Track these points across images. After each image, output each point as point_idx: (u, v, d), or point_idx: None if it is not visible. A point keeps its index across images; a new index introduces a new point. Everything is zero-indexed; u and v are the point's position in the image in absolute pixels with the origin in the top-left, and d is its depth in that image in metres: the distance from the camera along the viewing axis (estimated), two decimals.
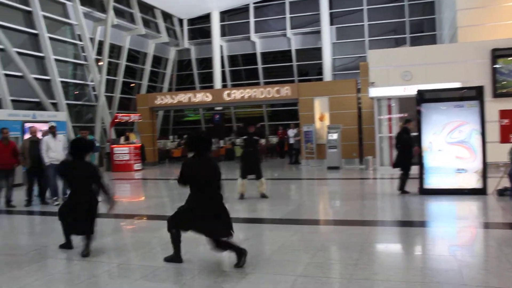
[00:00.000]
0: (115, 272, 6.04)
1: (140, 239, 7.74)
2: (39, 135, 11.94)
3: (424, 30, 28.01)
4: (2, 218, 10.43)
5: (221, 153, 25.47)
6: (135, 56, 29.38)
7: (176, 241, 6.01)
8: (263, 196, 11.47)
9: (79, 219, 6.64)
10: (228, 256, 6.02)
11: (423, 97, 11.08)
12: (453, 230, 7.99)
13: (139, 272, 5.93)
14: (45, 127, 13.13)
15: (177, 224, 5.95)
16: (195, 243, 6.55)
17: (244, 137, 11.83)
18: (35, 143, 11.55)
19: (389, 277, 5.35)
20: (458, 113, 10.78)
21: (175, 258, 6.05)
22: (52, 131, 11.94)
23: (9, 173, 11.40)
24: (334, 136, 18.73)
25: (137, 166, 20.60)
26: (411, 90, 14.67)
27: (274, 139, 27.59)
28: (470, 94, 10.92)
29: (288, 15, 30.11)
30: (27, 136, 13.55)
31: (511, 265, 5.63)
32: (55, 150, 11.52)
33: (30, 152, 11.38)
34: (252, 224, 8.54)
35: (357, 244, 6.84)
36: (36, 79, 20.51)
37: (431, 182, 11.03)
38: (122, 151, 20.41)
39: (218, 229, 5.75)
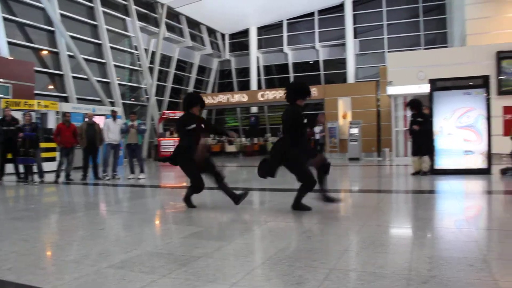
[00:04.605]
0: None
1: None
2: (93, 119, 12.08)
3: (437, 43, 27.23)
4: (63, 188, 10.52)
5: (255, 149, 25.31)
6: (182, 65, 29.56)
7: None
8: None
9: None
10: None
11: (435, 86, 10.69)
12: (456, 199, 7.60)
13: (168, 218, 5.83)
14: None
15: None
16: None
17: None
18: (90, 125, 11.64)
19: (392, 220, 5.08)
20: (466, 100, 10.37)
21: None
22: (113, 115, 12.10)
23: (70, 151, 11.52)
24: (355, 130, 18.41)
25: None
26: (425, 89, 14.27)
27: None
28: (477, 83, 10.47)
29: (317, 30, 29.74)
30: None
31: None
32: (113, 132, 11.67)
33: (87, 132, 11.47)
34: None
35: (373, 204, 6.58)
36: (98, 81, 20.81)
37: (442, 163, 10.62)
38: (168, 143, 20.44)
39: None
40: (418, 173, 10.70)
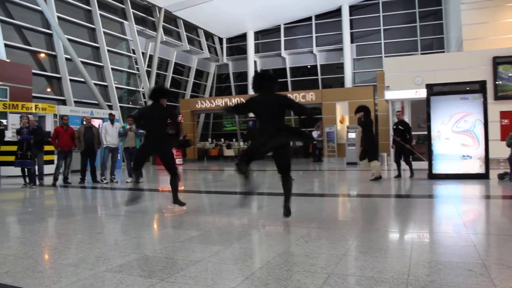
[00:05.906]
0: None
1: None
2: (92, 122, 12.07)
3: (434, 48, 27.32)
4: (61, 191, 10.50)
5: None
6: (180, 69, 29.57)
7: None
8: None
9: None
10: None
11: (432, 90, 10.71)
12: (454, 204, 7.59)
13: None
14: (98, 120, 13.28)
15: None
16: None
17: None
18: (88, 129, 11.63)
19: (390, 225, 5.08)
20: (463, 104, 10.40)
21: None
22: (111, 118, 12.06)
23: (67, 154, 11.51)
24: (353, 135, 18.38)
25: (178, 160, 20.53)
26: (422, 93, 14.31)
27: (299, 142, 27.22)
28: (474, 88, 10.50)
29: (314, 35, 29.89)
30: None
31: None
32: (111, 135, 11.65)
33: (85, 136, 11.45)
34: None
35: (371, 209, 6.57)
36: (96, 84, 20.79)
37: (439, 167, 10.64)
38: None
39: None
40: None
